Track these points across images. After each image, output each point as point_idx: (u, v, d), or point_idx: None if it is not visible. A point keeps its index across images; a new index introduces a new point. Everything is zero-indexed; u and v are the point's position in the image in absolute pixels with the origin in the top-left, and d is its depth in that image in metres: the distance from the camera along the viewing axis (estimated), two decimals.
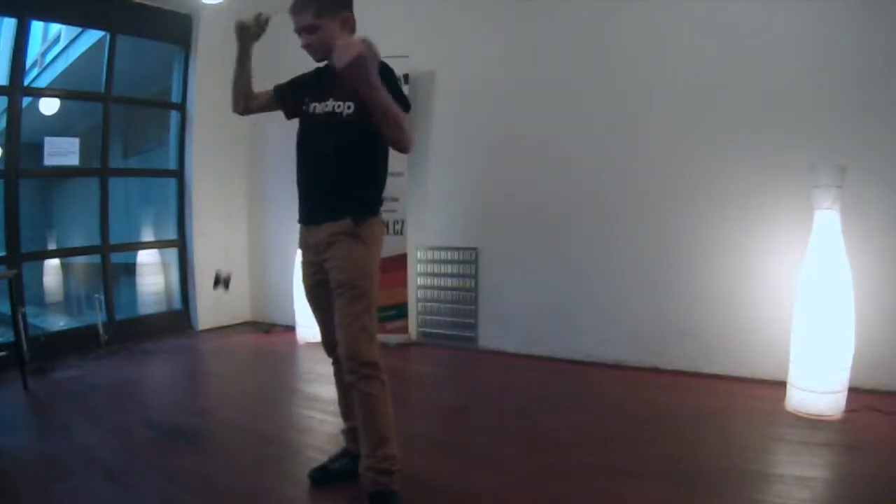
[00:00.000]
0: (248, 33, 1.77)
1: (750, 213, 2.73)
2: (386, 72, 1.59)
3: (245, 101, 1.85)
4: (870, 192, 2.43)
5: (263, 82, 1.88)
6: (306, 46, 1.68)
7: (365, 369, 1.58)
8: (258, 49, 1.83)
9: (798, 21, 2.58)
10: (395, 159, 1.88)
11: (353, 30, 1.69)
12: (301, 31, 1.68)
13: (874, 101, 2.45)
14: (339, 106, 1.66)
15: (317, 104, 1.72)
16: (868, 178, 2.41)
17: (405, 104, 1.61)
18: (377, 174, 1.75)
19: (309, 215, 1.77)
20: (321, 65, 1.76)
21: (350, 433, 1.89)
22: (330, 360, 1.90)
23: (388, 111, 1.49)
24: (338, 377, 1.90)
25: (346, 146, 1.65)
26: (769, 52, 2.65)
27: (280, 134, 4.48)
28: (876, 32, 2.43)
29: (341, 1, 1.68)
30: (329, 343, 1.82)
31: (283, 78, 1.89)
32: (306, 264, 1.80)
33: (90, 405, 2.73)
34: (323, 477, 1.87)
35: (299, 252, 1.86)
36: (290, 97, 1.83)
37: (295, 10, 1.68)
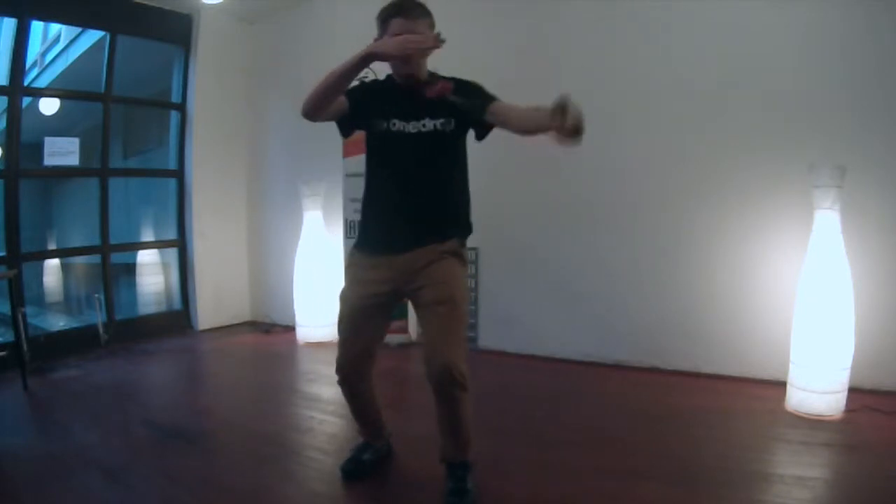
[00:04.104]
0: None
1: (750, 212, 2.73)
2: (477, 87, 1.60)
3: (326, 111, 1.62)
4: (870, 192, 2.43)
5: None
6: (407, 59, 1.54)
7: (460, 383, 1.59)
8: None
9: (798, 21, 2.58)
10: None
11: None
12: None
13: (874, 101, 2.44)
14: (439, 124, 1.59)
15: (405, 123, 1.60)
16: (868, 178, 2.41)
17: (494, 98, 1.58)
18: (469, 189, 1.72)
19: (397, 243, 1.63)
20: (372, 80, 1.70)
21: (372, 434, 1.93)
22: (335, 371, 1.78)
23: (534, 123, 1.38)
24: (353, 395, 1.83)
25: (450, 165, 1.61)
26: (769, 52, 2.65)
27: (280, 134, 4.49)
28: (877, 32, 2.43)
29: None
30: (353, 361, 1.75)
31: None
32: (374, 282, 1.66)
33: (90, 405, 2.73)
34: (357, 469, 1.86)
35: (348, 271, 1.76)
36: (360, 108, 1.63)
37: (411, 14, 1.54)
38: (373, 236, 1.70)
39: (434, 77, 1.65)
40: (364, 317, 1.71)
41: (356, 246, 1.76)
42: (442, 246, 1.63)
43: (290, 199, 4.10)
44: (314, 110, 1.55)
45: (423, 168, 1.61)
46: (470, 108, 1.56)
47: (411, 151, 1.61)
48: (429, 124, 1.60)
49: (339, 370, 1.77)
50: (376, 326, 1.75)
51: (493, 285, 3.49)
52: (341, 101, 1.63)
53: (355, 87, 1.72)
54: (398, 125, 1.61)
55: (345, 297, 1.74)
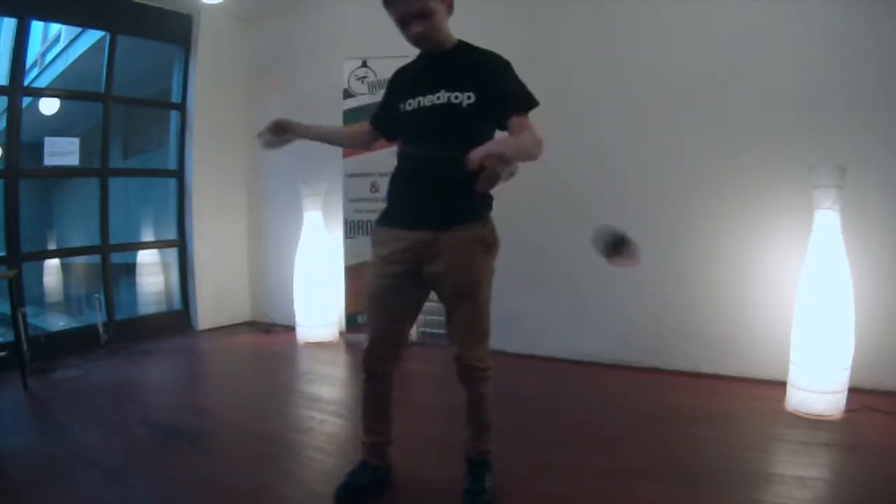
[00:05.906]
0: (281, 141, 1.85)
1: (750, 212, 2.73)
2: (502, 65, 1.57)
3: (355, 146, 1.97)
4: (870, 192, 2.43)
5: None
6: (417, 35, 1.49)
7: (483, 373, 1.65)
8: None
9: (798, 21, 2.58)
10: None
11: (452, 12, 1.56)
12: (410, 17, 1.47)
13: (874, 101, 2.44)
14: (456, 97, 1.51)
15: (421, 98, 1.55)
16: (868, 178, 2.41)
17: (531, 100, 1.54)
18: None
19: (411, 219, 1.58)
20: (407, 62, 1.65)
21: (374, 448, 1.77)
22: (362, 364, 1.70)
23: (523, 153, 1.38)
24: (372, 392, 1.72)
25: (467, 139, 1.45)
26: (769, 52, 2.65)
27: None
28: (877, 32, 2.43)
29: None
30: (381, 351, 1.67)
31: None
32: (392, 261, 1.60)
33: (90, 405, 2.73)
34: (351, 495, 1.71)
35: (371, 252, 1.70)
36: (391, 118, 1.68)
37: None
38: (390, 210, 1.66)
39: (462, 47, 1.61)
40: (387, 296, 1.63)
41: (377, 221, 1.71)
42: (466, 232, 1.57)
43: (290, 199, 4.10)
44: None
45: (431, 143, 1.51)
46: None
47: (422, 125, 1.54)
48: (443, 97, 1.52)
49: (365, 361, 1.69)
50: (401, 308, 1.65)
51: (494, 285, 3.48)
52: (367, 131, 1.81)
53: (378, 114, 1.79)
54: (413, 103, 1.57)
55: (368, 281, 1.70)
